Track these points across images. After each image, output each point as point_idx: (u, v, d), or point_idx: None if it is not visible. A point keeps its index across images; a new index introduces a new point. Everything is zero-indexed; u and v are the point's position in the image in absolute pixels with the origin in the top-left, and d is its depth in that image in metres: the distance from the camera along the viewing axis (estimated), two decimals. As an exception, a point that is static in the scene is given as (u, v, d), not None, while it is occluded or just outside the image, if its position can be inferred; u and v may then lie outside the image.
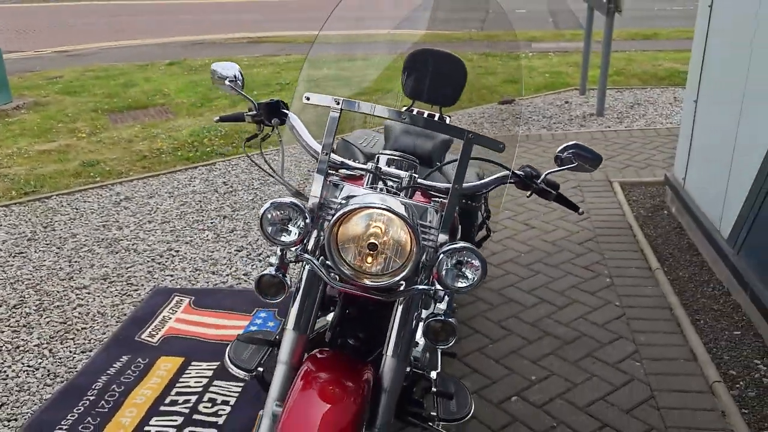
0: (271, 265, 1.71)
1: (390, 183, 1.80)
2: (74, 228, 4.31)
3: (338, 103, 1.73)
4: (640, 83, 7.73)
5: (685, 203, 3.96)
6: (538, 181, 1.90)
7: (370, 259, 1.59)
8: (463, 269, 1.62)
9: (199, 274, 3.70)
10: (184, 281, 3.62)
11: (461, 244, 1.62)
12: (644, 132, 5.90)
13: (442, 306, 1.66)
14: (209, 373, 2.83)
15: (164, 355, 2.97)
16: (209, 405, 2.64)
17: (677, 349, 2.84)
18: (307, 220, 1.61)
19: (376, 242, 1.55)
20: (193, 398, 2.67)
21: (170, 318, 3.26)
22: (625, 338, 2.93)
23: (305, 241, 1.68)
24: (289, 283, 1.70)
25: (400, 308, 1.69)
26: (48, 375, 2.87)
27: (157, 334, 3.13)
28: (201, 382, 2.78)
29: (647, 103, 6.84)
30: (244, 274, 3.68)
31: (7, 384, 2.81)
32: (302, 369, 1.62)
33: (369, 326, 1.85)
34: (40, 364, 2.94)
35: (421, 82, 2.76)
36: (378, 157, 1.95)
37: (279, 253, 1.71)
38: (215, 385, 2.75)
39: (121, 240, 4.13)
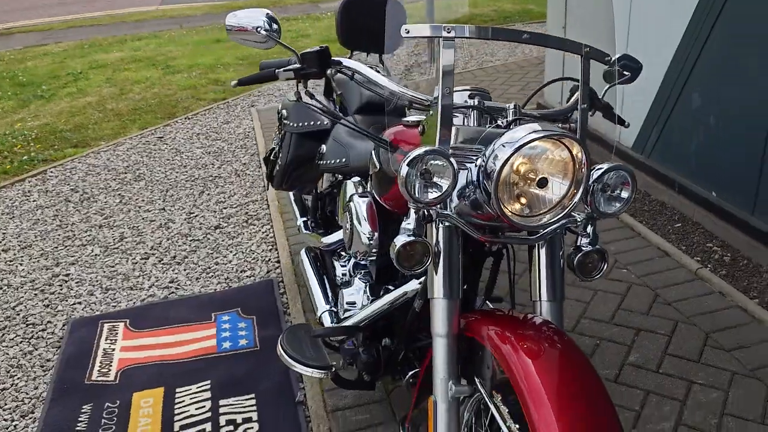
0: (406, 230, 1.46)
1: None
2: None
3: (449, 31, 1.49)
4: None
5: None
6: (600, 96, 1.90)
7: (523, 199, 1.43)
8: (615, 191, 1.54)
9: (115, 294, 3.11)
10: (102, 305, 3.02)
11: (608, 164, 1.53)
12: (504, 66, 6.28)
13: (585, 238, 1.57)
14: (207, 395, 2.40)
15: (136, 390, 2.46)
16: (232, 428, 2.25)
17: (647, 250, 3.03)
18: (456, 171, 1.39)
19: (546, 176, 1.39)
20: (208, 426, 2.25)
21: (113, 349, 2.70)
22: (598, 251, 3.05)
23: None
24: (432, 246, 1.48)
25: (542, 251, 1.55)
26: (-5, 456, 2.23)
27: (110, 370, 2.58)
28: (204, 406, 2.35)
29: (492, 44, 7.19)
30: (171, 282, 3.17)
31: (-56, 483, 2.13)
32: (487, 335, 1.41)
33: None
34: (-27, 446, 2.27)
35: (359, 31, 2.60)
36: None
37: (414, 215, 1.47)
38: (224, 405, 2.35)
39: (-19, 278, 3.32)
